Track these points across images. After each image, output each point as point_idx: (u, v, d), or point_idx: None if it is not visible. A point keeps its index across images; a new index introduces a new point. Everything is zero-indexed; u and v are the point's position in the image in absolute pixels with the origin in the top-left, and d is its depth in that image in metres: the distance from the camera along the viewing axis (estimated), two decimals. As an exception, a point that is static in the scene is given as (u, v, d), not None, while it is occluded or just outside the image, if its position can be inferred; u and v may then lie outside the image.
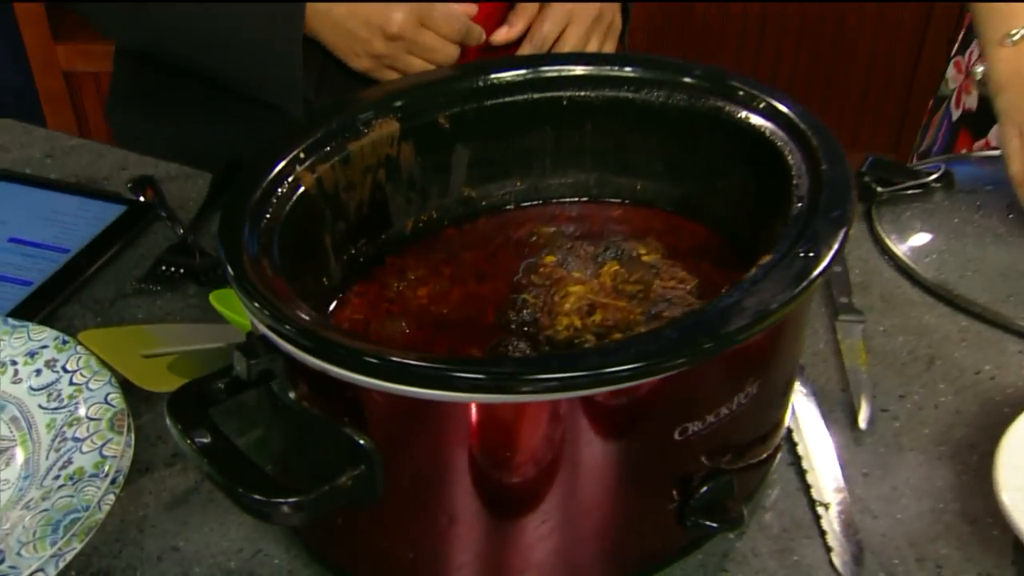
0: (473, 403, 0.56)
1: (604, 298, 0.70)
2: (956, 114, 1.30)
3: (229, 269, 0.59)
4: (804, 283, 0.59)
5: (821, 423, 0.79)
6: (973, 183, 1.05)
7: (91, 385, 0.75)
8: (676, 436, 0.61)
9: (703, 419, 0.61)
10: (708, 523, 0.64)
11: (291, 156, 0.68)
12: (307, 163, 0.69)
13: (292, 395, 0.60)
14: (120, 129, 1.22)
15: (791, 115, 0.72)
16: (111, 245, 0.94)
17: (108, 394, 0.74)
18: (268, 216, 0.64)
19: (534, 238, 0.78)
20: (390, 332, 0.70)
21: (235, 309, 0.76)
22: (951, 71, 1.33)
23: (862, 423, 0.79)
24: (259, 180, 0.66)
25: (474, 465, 0.59)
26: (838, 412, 0.81)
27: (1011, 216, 0.98)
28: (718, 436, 0.63)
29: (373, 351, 0.55)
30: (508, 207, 0.82)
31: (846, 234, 0.63)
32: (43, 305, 0.88)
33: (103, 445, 0.70)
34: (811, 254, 0.61)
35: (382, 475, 0.59)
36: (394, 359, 0.54)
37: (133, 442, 0.73)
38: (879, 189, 1.01)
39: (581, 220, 0.81)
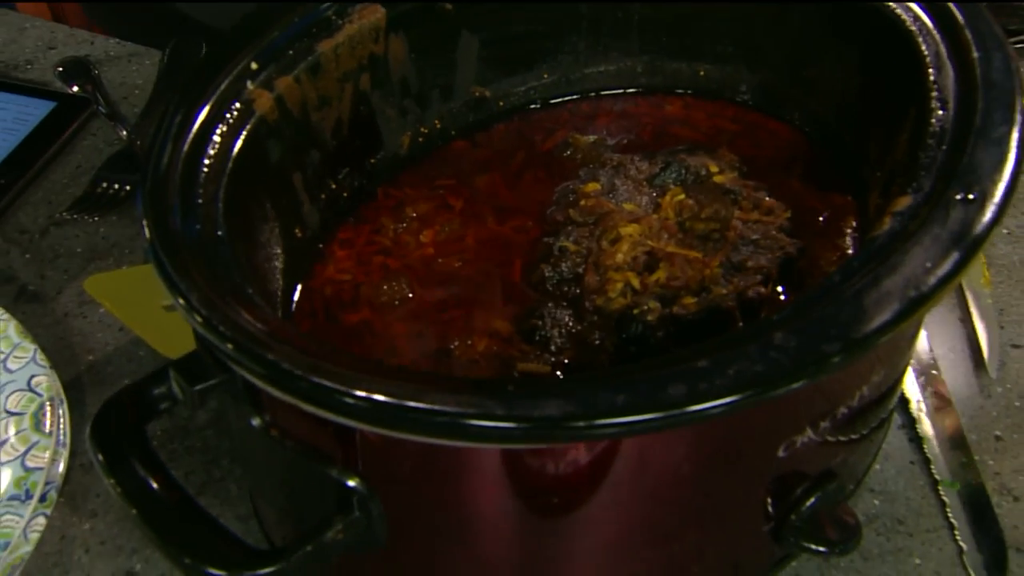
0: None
1: (668, 243, 0.53)
2: None
3: (159, 269, 0.42)
4: (967, 248, 0.41)
5: (938, 370, 0.62)
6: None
7: (10, 364, 0.59)
8: (780, 453, 0.45)
9: (816, 427, 0.45)
10: (814, 546, 0.49)
11: (237, 70, 0.50)
12: (261, 77, 0.51)
13: (256, 422, 0.43)
14: None
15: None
16: (38, 155, 0.76)
17: (32, 376, 0.58)
18: (207, 167, 0.46)
19: (568, 152, 0.60)
20: (388, 298, 0.53)
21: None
22: None
23: (991, 369, 0.62)
24: (193, 113, 0.47)
25: (504, 508, 0.43)
26: (958, 352, 0.64)
27: None
28: (831, 440, 0.47)
29: (356, 386, 0.38)
30: (533, 106, 0.63)
31: (1019, 163, 0.44)
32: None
33: (26, 452, 0.55)
34: (971, 197, 0.43)
35: (384, 522, 0.44)
36: (385, 400, 0.37)
37: (68, 439, 0.58)
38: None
39: (628, 121, 0.62)
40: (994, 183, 0.43)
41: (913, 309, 0.39)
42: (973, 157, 0.44)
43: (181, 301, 0.41)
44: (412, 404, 0.37)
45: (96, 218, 0.71)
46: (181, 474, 0.59)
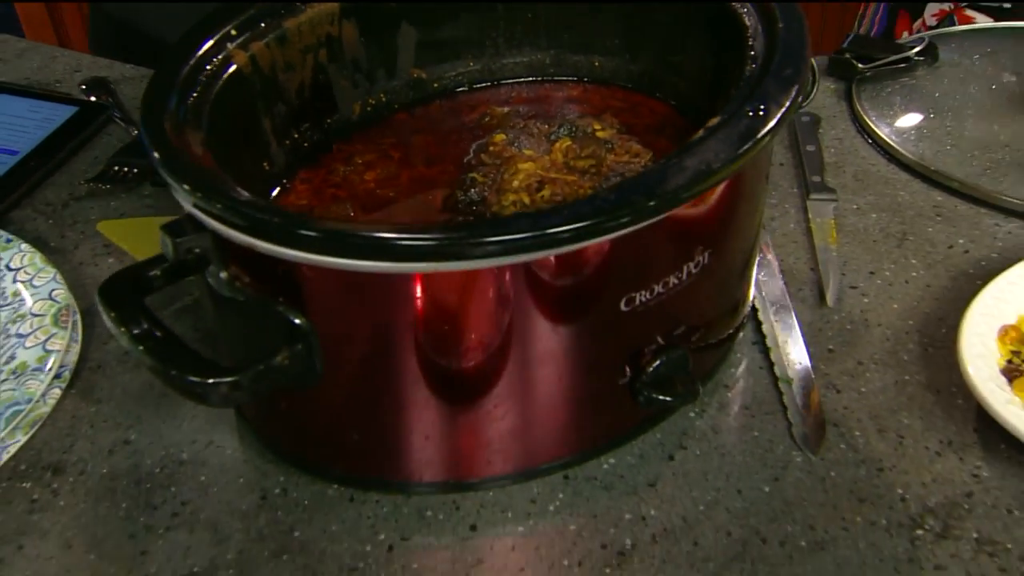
0: (401, 273, 0.54)
1: (554, 174, 0.68)
2: None
3: (146, 136, 0.57)
4: (750, 141, 0.56)
5: (787, 302, 0.77)
6: (959, 56, 1.01)
7: (35, 282, 0.74)
8: (622, 306, 0.59)
9: (650, 288, 0.59)
10: (661, 397, 0.62)
11: (221, 33, 0.66)
12: (239, 40, 0.67)
13: (224, 275, 0.58)
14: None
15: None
16: (62, 147, 0.92)
17: (53, 290, 0.73)
18: (197, 93, 0.62)
19: (487, 119, 0.76)
20: (333, 216, 0.68)
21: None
22: None
23: (830, 300, 0.77)
24: (186, 56, 0.63)
25: (412, 340, 0.57)
26: (806, 291, 0.78)
27: (993, 87, 0.95)
28: (669, 309, 0.61)
29: (295, 221, 0.52)
30: (461, 89, 0.79)
31: (798, 92, 0.60)
32: (-9, 208, 0.86)
33: (47, 340, 0.69)
34: (760, 112, 0.58)
35: (320, 354, 0.57)
36: (314, 226, 0.52)
37: (80, 337, 0.72)
38: (860, 66, 0.98)
39: (537, 101, 0.78)
40: (778, 104, 0.59)
41: (703, 178, 0.54)
42: (766, 88, 0.60)
43: (164, 168, 0.55)
44: (350, 231, 0.52)
45: (108, 187, 0.87)
46: (169, 370, 0.73)
